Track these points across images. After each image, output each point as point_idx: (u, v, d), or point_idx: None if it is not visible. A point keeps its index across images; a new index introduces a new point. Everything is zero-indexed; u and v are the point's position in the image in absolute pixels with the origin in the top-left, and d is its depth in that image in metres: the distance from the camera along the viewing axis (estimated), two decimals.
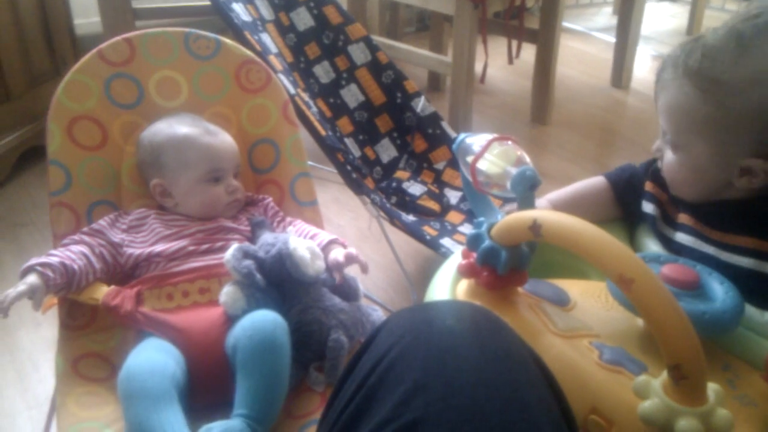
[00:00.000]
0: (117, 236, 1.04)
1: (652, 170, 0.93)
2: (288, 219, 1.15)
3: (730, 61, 0.74)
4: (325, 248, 1.06)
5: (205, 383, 0.93)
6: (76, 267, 0.97)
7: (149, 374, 0.85)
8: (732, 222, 0.79)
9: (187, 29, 1.18)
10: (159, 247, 1.03)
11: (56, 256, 0.97)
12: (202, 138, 1.10)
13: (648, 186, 0.92)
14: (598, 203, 0.99)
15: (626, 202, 0.96)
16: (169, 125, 1.11)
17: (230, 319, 0.95)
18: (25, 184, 1.96)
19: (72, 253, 0.98)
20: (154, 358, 0.88)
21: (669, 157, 0.84)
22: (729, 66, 0.74)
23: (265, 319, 0.91)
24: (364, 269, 1.04)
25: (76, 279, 0.97)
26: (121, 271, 1.04)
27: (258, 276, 0.95)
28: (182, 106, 1.17)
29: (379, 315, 1.07)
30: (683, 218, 0.84)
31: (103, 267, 1.01)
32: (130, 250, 1.03)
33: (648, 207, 0.90)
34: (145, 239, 1.05)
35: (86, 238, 1.02)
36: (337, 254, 1.04)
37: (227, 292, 0.95)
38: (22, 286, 0.90)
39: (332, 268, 1.04)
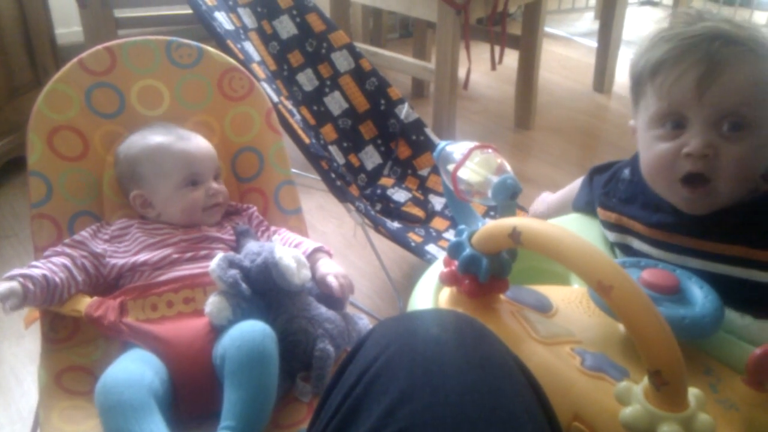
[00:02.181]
0: (99, 247, 1.03)
1: (602, 193, 0.92)
2: (272, 228, 1.15)
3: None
4: (311, 257, 1.06)
5: (191, 394, 0.92)
6: (57, 280, 0.96)
7: (125, 386, 0.84)
8: (722, 231, 0.77)
9: (168, 37, 1.17)
10: (143, 257, 1.02)
11: (38, 268, 0.96)
12: (176, 144, 1.10)
13: (602, 214, 0.91)
14: None
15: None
16: (142, 136, 1.11)
17: (216, 329, 0.95)
18: (6, 196, 1.94)
19: (54, 265, 0.98)
20: (129, 369, 0.87)
21: (736, 150, 0.74)
22: None
23: (254, 329, 0.91)
24: (352, 292, 1.05)
25: (57, 292, 0.96)
26: (104, 282, 1.03)
27: (243, 285, 0.95)
28: (164, 115, 1.17)
29: (365, 323, 1.07)
30: (655, 234, 0.84)
31: (86, 279, 1.01)
32: (113, 261, 1.02)
33: (611, 236, 0.89)
34: (128, 249, 1.04)
35: (68, 250, 1.01)
36: (329, 270, 1.04)
37: (212, 302, 0.95)
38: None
39: (319, 283, 1.04)
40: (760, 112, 0.74)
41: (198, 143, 1.12)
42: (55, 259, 0.99)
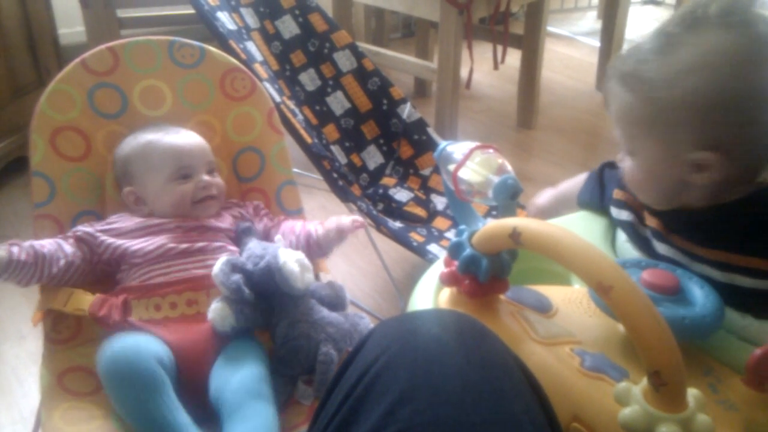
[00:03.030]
0: (90, 228, 1.04)
1: (619, 177, 0.93)
2: (276, 219, 1.14)
3: (656, 59, 0.75)
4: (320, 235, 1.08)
5: (191, 396, 0.92)
6: (45, 251, 0.96)
7: (135, 354, 0.84)
8: (699, 235, 0.78)
9: (171, 37, 1.18)
10: (137, 244, 1.02)
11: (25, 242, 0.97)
12: (163, 139, 1.10)
13: (617, 194, 0.92)
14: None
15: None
16: (134, 137, 1.11)
17: (218, 334, 0.95)
18: (9, 196, 1.94)
19: (40, 242, 0.98)
20: (138, 339, 0.88)
21: (627, 164, 0.84)
22: (656, 64, 0.75)
23: (252, 376, 0.90)
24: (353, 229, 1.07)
25: (46, 263, 0.96)
26: (99, 260, 1.03)
27: (246, 291, 0.95)
28: (166, 115, 1.17)
29: (366, 323, 1.07)
30: (656, 225, 0.84)
31: (77, 252, 1.00)
32: (108, 240, 1.02)
33: (622, 214, 0.90)
34: (121, 228, 1.04)
35: (59, 236, 1.02)
36: (333, 222, 1.06)
37: (215, 309, 0.94)
38: None
39: (328, 235, 1.06)
40: (633, 143, 0.82)
41: (186, 136, 1.12)
42: (43, 240, 1.00)
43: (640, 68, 0.76)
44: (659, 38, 0.76)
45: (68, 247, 1.00)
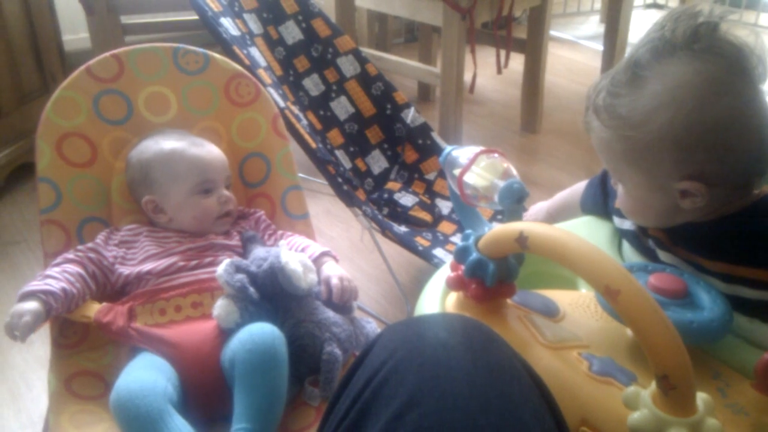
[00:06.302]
0: (110, 253, 1.04)
1: None
2: (279, 232, 1.15)
3: (627, 93, 0.74)
4: (316, 261, 1.06)
5: (201, 397, 0.93)
6: (75, 291, 0.97)
7: (140, 397, 0.84)
8: (701, 247, 0.77)
9: (175, 44, 1.18)
10: (148, 266, 1.03)
11: (56, 279, 0.96)
12: (190, 150, 1.10)
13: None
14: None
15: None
16: (155, 142, 1.11)
17: (224, 333, 0.95)
18: (15, 202, 1.95)
19: (70, 275, 0.98)
20: (142, 378, 0.87)
21: (620, 190, 0.83)
22: (627, 100, 0.74)
23: (264, 332, 0.91)
24: (356, 297, 1.05)
25: (73, 302, 0.97)
26: (111, 289, 1.04)
27: (251, 289, 0.96)
28: (172, 122, 1.17)
29: (373, 327, 1.07)
30: (660, 235, 0.83)
31: (95, 287, 1.01)
32: (120, 269, 1.03)
33: (625, 224, 0.89)
34: (135, 257, 1.04)
35: (81, 257, 1.02)
36: (332, 272, 1.04)
37: (221, 305, 0.95)
38: (27, 317, 0.89)
39: (323, 285, 1.04)
40: (617, 174, 0.81)
41: (211, 150, 1.13)
42: (69, 268, 0.99)
43: (613, 103, 0.76)
44: (629, 68, 0.75)
45: (91, 283, 1.00)
